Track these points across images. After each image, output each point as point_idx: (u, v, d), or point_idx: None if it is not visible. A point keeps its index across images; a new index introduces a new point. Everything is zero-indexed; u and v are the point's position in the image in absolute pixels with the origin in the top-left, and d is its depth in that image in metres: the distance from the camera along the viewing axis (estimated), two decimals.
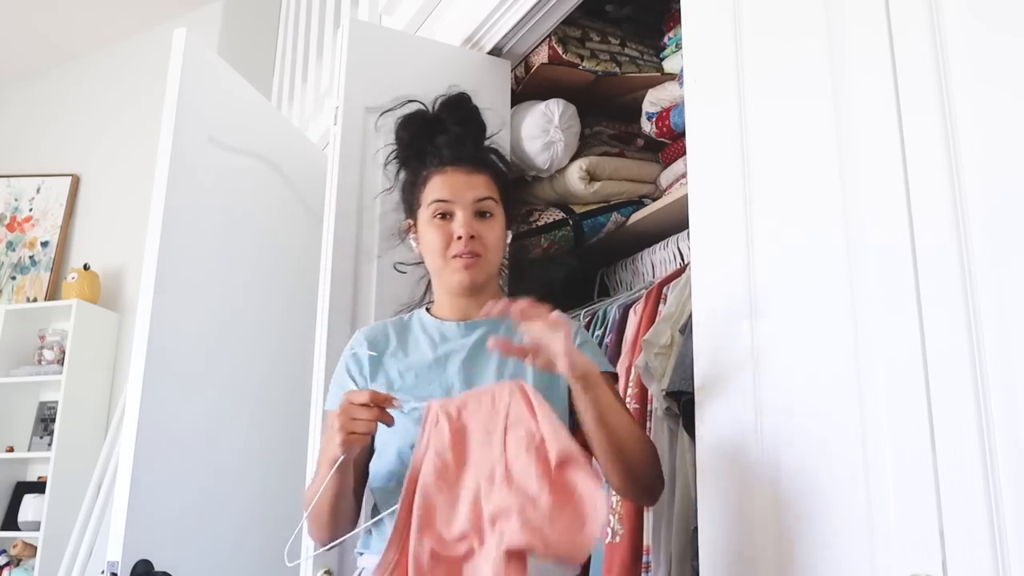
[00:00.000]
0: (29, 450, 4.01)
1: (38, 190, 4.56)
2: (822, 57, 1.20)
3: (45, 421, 4.06)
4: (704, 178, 1.37)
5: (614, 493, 1.70)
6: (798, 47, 1.24)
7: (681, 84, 2.11)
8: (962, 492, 0.95)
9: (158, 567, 1.85)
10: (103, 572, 1.84)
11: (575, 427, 1.33)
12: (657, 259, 2.32)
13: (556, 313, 1.24)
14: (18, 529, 3.87)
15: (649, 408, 1.86)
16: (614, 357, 2.03)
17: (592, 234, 2.42)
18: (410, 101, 1.55)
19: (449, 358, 1.43)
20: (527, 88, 2.48)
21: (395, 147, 1.56)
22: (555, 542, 1.10)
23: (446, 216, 1.44)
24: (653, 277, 2.29)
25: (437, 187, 1.46)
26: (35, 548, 3.74)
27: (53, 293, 4.32)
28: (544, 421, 1.18)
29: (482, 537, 1.14)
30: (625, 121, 2.54)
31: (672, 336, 1.79)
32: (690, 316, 1.44)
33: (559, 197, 2.46)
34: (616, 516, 1.82)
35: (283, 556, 1.28)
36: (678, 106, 2.25)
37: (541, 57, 2.41)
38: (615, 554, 1.80)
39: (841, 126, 1.16)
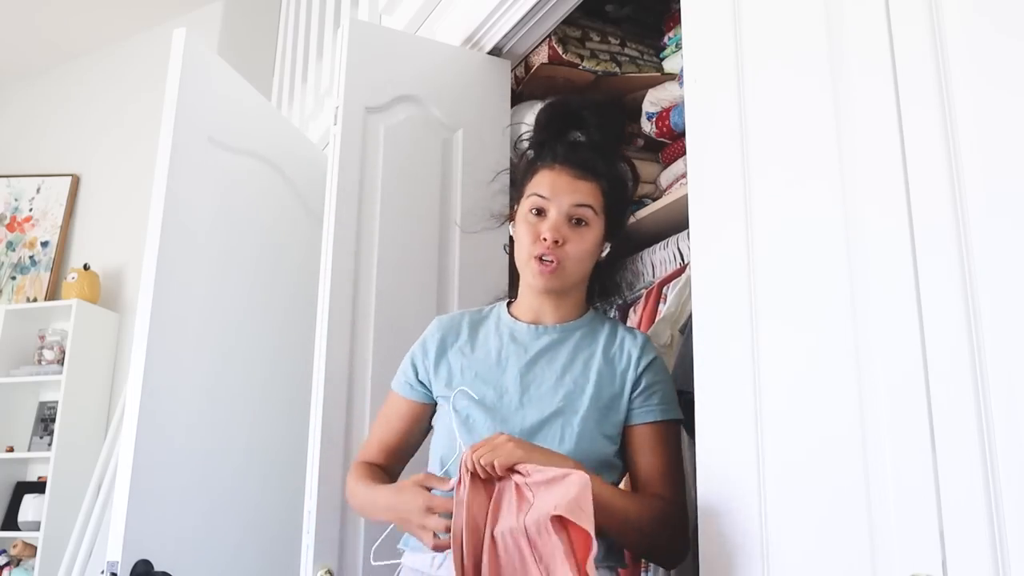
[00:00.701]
0: (29, 450, 4.01)
1: (38, 190, 4.56)
2: (822, 57, 1.20)
3: (45, 421, 4.06)
4: (704, 178, 1.37)
5: None
6: (798, 47, 1.24)
7: (681, 84, 2.11)
8: (962, 492, 0.94)
9: (158, 567, 1.85)
10: (103, 572, 1.84)
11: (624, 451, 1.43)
12: (657, 259, 2.31)
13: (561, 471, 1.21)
14: (18, 529, 3.87)
15: None
16: None
17: None
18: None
19: (510, 360, 1.44)
20: (527, 88, 2.48)
21: (531, 128, 1.55)
22: None
23: (541, 213, 1.44)
24: (653, 277, 2.29)
25: (540, 182, 1.46)
26: (35, 548, 3.74)
27: (53, 293, 4.32)
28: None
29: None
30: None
31: (672, 336, 1.79)
32: (690, 316, 1.44)
33: None
34: None
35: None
36: (678, 106, 2.25)
37: (541, 57, 2.41)
38: None
39: (841, 126, 1.16)
